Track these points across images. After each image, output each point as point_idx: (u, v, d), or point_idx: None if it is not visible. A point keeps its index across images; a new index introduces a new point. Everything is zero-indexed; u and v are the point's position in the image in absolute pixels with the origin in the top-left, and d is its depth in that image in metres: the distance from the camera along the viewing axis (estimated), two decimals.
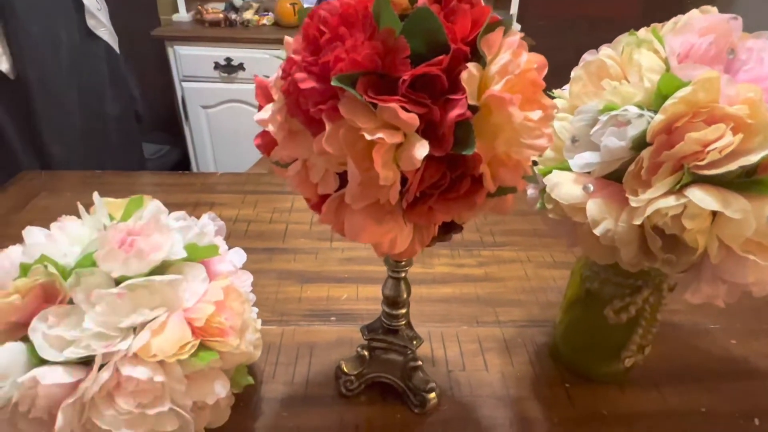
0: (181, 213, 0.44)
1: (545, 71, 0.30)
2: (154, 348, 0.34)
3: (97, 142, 1.22)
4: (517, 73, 0.27)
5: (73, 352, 0.33)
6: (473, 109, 0.27)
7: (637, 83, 0.34)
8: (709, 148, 0.30)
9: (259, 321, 0.47)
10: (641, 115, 0.33)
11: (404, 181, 0.28)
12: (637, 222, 0.32)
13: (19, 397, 0.33)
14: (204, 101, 2.02)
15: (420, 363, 0.47)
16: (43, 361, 0.34)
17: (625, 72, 0.37)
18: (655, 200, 0.32)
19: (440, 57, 0.26)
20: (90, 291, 0.34)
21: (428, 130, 0.27)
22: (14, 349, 0.34)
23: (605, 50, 0.38)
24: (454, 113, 0.26)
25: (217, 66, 1.94)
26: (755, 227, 0.30)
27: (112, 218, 0.41)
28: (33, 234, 0.40)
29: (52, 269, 0.35)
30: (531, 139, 0.27)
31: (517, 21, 2.02)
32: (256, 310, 0.49)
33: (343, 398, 0.48)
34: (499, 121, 0.27)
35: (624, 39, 0.38)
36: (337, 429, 0.46)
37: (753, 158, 0.29)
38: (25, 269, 0.36)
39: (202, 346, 0.37)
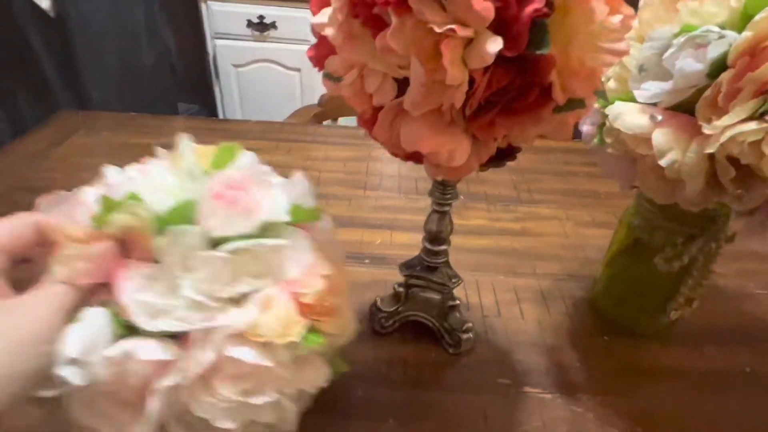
0: (269, 169, 0.37)
1: None
2: (263, 326, 0.28)
3: (133, 90, 1.23)
4: None
5: (166, 324, 0.28)
6: (549, 6, 0.25)
7: (721, 2, 0.31)
8: None
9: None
10: (722, 36, 0.31)
11: (470, 86, 0.27)
12: (711, 149, 0.30)
13: (108, 375, 0.27)
14: (235, 60, 2.01)
15: (458, 302, 0.46)
16: (128, 331, 0.28)
17: None
18: (732, 126, 0.30)
19: None
20: (187, 252, 0.29)
21: (500, 27, 0.25)
22: (98, 315, 0.28)
23: None
24: (531, 7, 0.24)
25: (249, 24, 1.92)
26: None
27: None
28: (112, 174, 0.33)
29: (143, 212, 0.29)
30: (610, 43, 0.25)
31: None
32: None
33: (377, 335, 0.48)
34: (576, 21, 0.25)
35: None
36: (371, 365, 0.45)
37: None
38: (110, 206, 0.29)
39: (312, 328, 0.31)
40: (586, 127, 0.41)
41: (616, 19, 0.26)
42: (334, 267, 0.33)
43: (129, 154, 0.82)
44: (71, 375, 0.26)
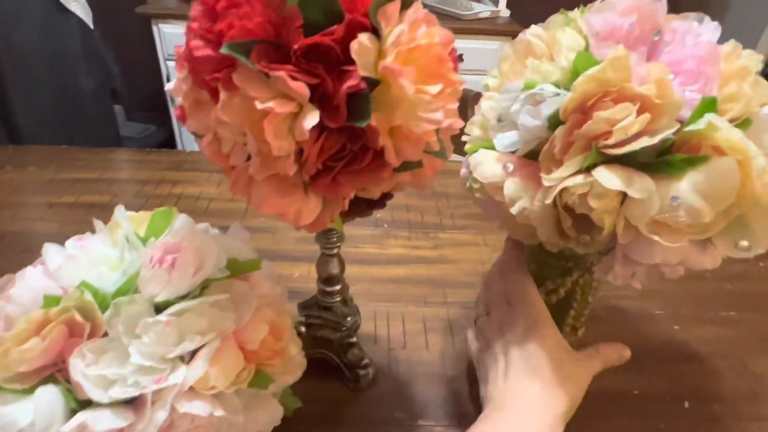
0: (205, 225, 0.40)
1: (451, 46, 0.30)
2: (212, 379, 0.30)
3: (71, 117, 1.22)
4: (414, 46, 0.27)
5: (120, 392, 0.29)
6: (373, 82, 0.27)
7: (556, 61, 0.34)
8: (615, 128, 0.30)
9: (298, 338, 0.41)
10: (557, 94, 0.33)
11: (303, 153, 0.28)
12: (548, 201, 0.32)
13: None
14: None
15: (354, 340, 0.47)
16: (81, 406, 0.29)
17: (552, 51, 0.36)
18: (564, 179, 0.32)
19: (334, 27, 0.26)
20: (132, 321, 0.30)
21: (324, 101, 0.27)
22: (51, 393, 0.29)
23: (535, 29, 0.38)
24: (347, 84, 0.26)
25: None
26: (659, 207, 0.30)
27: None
28: (52, 254, 0.35)
29: (89, 298, 0.30)
30: (427, 113, 0.27)
31: (508, 7, 1.99)
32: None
33: None
34: (397, 94, 0.27)
35: (555, 18, 0.38)
36: None
37: (653, 139, 0.29)
38: (50, 302, 0.31)
39: (258, 372, 0.34)
40: (462, 171, 0.43)
41: (435, 89, 0.28)
42: (276, 312, 0.36)
43: (55, 191, 0.81)
44: None
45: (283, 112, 0.25)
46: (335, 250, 0.43)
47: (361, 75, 0.26)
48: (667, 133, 0.29)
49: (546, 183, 0.33)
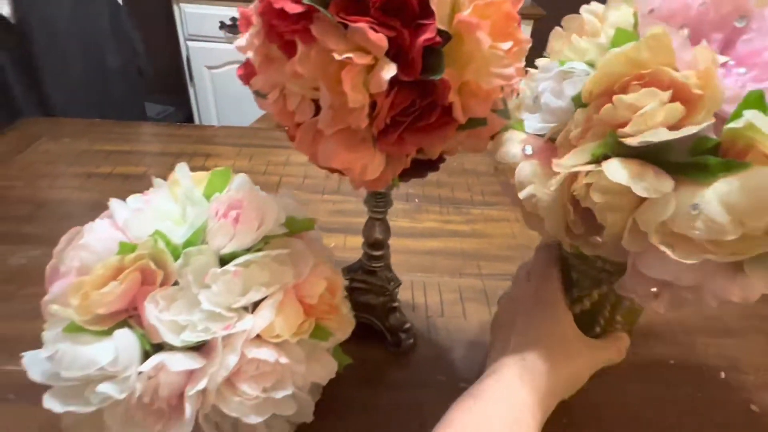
0: (256, 187, 0.39)
1: (520, 4, 0.30)
2: (277, 328, 0.32)
3: (99, 94, 1.23)
4: (489, 1, 0.27)
5: (192, 336, 0.31)
6: (446, 36, 0.27)
7: (592, 39, 0.31)
8: (635, 115, 0.25)
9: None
10: (588, 74, 0.29)
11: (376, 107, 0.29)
12: (553, 188, 0.29)
13: (143, 389, 0.30)
14: (209, 61, 2.01)
15: (397, 304, 0.48)
16: (154, 349, 0.31)
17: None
18: (573, 167, 0.28)
19: None
20: (201, 271, 0.32)
21: (399, 54, 0.27)
22: (128, 335, 0.31)
23: (594, 5, 0.36)
24: (423, 37, 0.26)
25: (222, 26, 1.92)
26: (673, 214, 0.25)
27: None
28: (118, 209, 0.36)
29: (162, 247, 0.32)
30: (499, 68, 0.28)
31: None
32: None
33: None
34: (470, 49, 0.28)
35: None
36: None
37: (676, 133, 0.24)
38: (126, 249, 0.32)
39: (318, 326, 0.35)
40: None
41: (506, 45, 0.28)
42: (329, 270, 0.37)
43: (92, 161, 0.83)
44: (110, 389, 0.29)
45: (362, 63, 0.26)
46: (382, 214, 0.44)
47: (438, 28, 0.27)
48: (696, 128, 0.24)
49: (555, 168, 0.29)
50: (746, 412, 0.45)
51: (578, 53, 0.31)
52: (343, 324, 0.39)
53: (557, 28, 0.36)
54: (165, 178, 0.39)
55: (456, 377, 0.47)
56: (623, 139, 0.26)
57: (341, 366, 0.40)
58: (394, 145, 0.31)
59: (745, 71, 0.26)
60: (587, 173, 0.28)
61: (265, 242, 0.35)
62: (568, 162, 0.28)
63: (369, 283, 0.47)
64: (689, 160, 0.26)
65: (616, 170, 0.26)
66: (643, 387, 0.47)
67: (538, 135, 0.33)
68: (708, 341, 0.52)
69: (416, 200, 0.73)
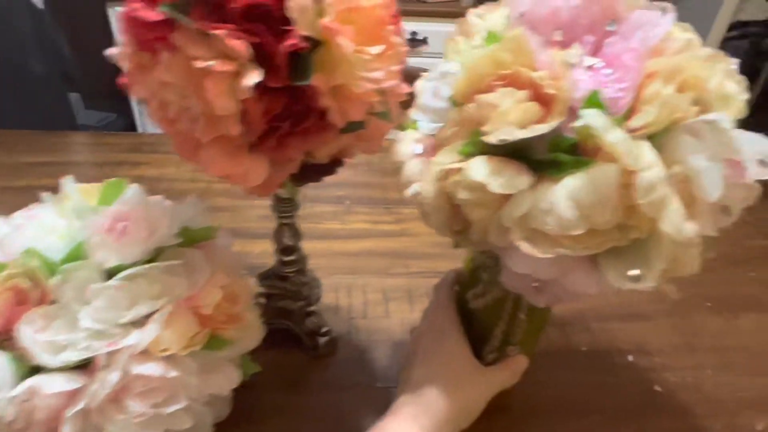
0: (159, 197, 0.40)
1: (392, 9, 0.31)
2: (165, 341, 0.31)
3: (23, 102, 1.17)
4: (353, 6, 0.27)
5: (72, 355, 0.30)
6: (314, 41, 0.28)
7: (468, 40, 0.32)
8: (493, 114, 0.26)
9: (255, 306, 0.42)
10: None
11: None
12: (427, 185, 0.30)
13: (15, 414, 0.29)
14: None
15: (313, 309, 0.48)
16: (32, 371, 0.30)
17: None
18: (443, 165, 0.29)
19: None
20: (82, 287, 0.31)
21: (266, 60, 0.27)
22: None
23: (481, 8, 0.37)
24: (287, 43, 0.26)
25: None
26: (528, 209, 0.26)
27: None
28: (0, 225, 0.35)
29: (34, 264, 0.31)
30: (366, 72, 0.28)
31: None
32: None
33: None
34: (336, 54, 0.28)
35: None
36: None
37: (520, 133, 0.25)
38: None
39: (213, 336, 0.35)
40: None
41: (375, 49, 0.28)
42: (231, 278, 0.36)
43: (11, 174, 0.78)
44: None
45: (224, 70, 0.26)
46: (290, 220, 0.43)
47: (303, 34, 0.27)
48: (545, 127, 0.25)
49: (432, 166, 0.30)
50: (650, 392, 0.48)
51: (458, 55, 0.32)
52: (246, 333, 0.38)
53: (452, 31, 0.37)
54: None
55: (375, 378, 0.47)
56: (484, 138, 0.27)
57: (247, 374, 0.40)
58: (275, 150, 0.31)
59: (611, 72, 0.27)
60: (456, 171, 0.29)
61: (157, 254, 0.35)
62: (439, 160, 0.29)
63: (283, 289, 0.47)
64: (548, 158, 0.27)
65: (477, 168, 0.27)
66: (550, 375, 0.48)
67: (432, 135, 0.34)
68: (618, 326, 0.55)
69: (347, 202, 0.73)
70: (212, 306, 0.34)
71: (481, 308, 0.42)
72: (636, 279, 0.26)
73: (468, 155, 0.28)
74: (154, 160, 0.82)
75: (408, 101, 0.36)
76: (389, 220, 0.70)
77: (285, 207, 0.42)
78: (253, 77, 0.26)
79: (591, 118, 0.24)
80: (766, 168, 0.27)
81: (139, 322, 0.32)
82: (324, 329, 0.48)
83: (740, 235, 0.72)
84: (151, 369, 0.31)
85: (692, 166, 0.24)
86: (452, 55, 0.32)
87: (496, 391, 0.38)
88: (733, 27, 2.54)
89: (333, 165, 0.37)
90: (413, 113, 0.35)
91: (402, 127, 0.38)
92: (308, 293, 0.47)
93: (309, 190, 0.75)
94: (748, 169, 0.27)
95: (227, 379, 0.36)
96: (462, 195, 0.28)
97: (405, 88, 0.36)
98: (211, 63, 0.26)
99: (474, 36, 0.32)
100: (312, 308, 0.48)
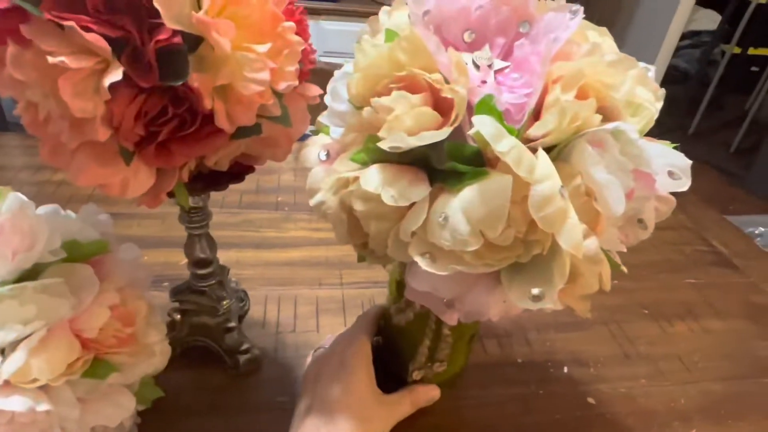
0: (54, 206, 0.36)
1: (285, 5, 0.28)
2: (34, 371, 0.28)
3: None
4: None
5: None
6: (195, 37, 0.25)
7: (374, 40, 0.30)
8: (387, 119, 0.24)
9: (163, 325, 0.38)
10: None
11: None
12: (326, 195, 0.29)
13: None
14: None
15: (233, 324, 0.45)
16: None
17: None
18: (340, 174, 0.27)
19: None
20: None
21: (136, 57, 0.24)
22: None
23: (393, 5, 0.35)
24: (156, 38, 0.23)
25: None
26: (422, 223, 0.24)
27: None
28: None
29: None
30: (251, 72, 0.25)
31: None
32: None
33: None
34: (220, 51, 0.25)
35: None
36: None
37: (411, 140, 0.23)
38: None
39: (98, 361, 0.31)
40: None
41: (262, 48, 0.26)
42: (124, 296, 0.33)
43: None
44: None
45: (80, 67, 0.23)
46: (202, 230, 0.40)
47: (176, 29, 0.24)
48: (435, 134, 0.23)
49: (330, 176, 0.28)
50: (584, 405, 0.47)
51: (363, 54, 0.30)
52: (144, 355, 0.35)
53: (362, 29, 0.35)
54: None
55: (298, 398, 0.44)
56: (379, 144, 0.25)
57: (147, 401, 0.36)
58: (159, 157, 0.28)
59: (519, 76, 0.26)
60: (354, 179, 0.26)
61: (38, 271, 0.31)
62: (337, 167, 0.27)
63: (199, 304, 0.43)
64: (446, 167, 0.25)
65: (371, 177, 0.25)
66: (483, 390, 0.47)
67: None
68: (556, 336, 0.54)
69: (285, 209, 0.70)
70: (96, 329, 0.31)
71: (404, 324, 0.40)
72: (537, 298, 0.24)
73: (365, 163, 0.26)
74: None
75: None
76: (329, 228, 0.67)
77: (193, 216, 0.39)
78: (114, 75, 0.23)
79: (481, 125, 0.22)
80: (676, 180, 0.26)
81: (9, 349, 0.29)
82: (245, 346, 0.45)
83: (680, 241, 0.73)
84: (16, 403, 0.27)
85: (594, 179, 0.23)
86: (358, 55, 0.30)
87: (397, 422, 0.39)
88: (685, 36, 2.63)
89: (240, 172, 0.35)
90: (322, 117, 0.33)
91: (316, 132, 0.35)
92: (228, 308, 0.44)
93: (246, 195, 0.73)
94: (658, 181, 0.26)
95: (118, 409, 0.33)
96: (357, 206, 0.26)
97: (314, 90, 0.33)
98: (61, 59, 0.22)
99: (378, 35, 0.30)
100: (231, 324, 0.45)
